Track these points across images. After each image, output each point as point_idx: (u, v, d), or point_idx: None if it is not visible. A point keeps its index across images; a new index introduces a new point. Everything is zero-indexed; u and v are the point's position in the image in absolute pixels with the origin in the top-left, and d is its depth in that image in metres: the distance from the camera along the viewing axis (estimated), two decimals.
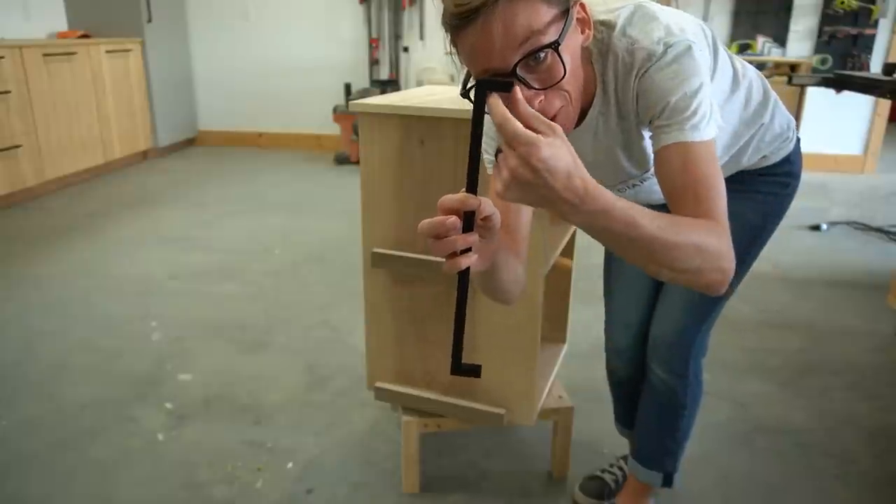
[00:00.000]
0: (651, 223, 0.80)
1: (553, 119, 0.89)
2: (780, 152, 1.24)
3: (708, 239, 0.85)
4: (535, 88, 0.86)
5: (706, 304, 1.32)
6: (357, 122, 2.62)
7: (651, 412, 1.46)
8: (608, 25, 0.98)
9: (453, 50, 0.88)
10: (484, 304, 1.47)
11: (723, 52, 1.08)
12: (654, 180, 1.04)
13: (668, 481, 1.48)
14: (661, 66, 0.93)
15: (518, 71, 0.84)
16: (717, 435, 1.89)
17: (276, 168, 5.11)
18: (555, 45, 0.84)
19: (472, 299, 1.49)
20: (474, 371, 1.13)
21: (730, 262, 0.87)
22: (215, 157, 5.50)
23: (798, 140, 1.28)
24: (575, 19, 0.88)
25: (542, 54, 0.84)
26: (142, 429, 1.88)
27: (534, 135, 0.71)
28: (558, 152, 0.72)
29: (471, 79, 0.88)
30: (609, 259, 1.48)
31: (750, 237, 1.28)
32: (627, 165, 1.08)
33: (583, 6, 0.90)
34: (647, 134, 1.02)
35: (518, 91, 0.74)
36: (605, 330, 1.53)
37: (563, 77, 0.86)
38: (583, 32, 0.91)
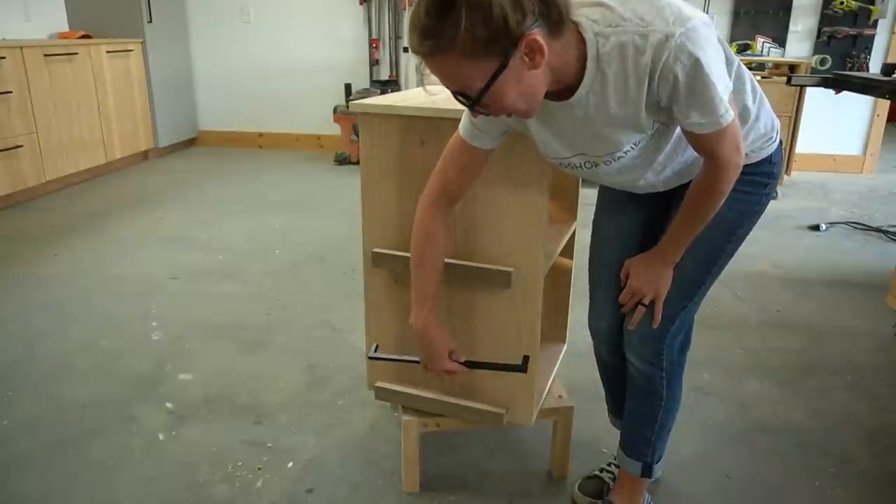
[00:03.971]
0: (687, 229, 1.22)
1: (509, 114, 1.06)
2: (762, 152, 1.26)
3: (708, 188, 1.15)
4: (479, 112, 1.04)
5: (676, 299, 1.33)
6: (357, 123, 2.62)
7: (631, 401, 1.48)
8: (606, 7, 1.00)
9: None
10: (484, 304, 1.48)
11: (723, 43, 1.10)
12: (636, 154, 1.15)
13: (647, 471, 1.49)
14: (680, 49, 0.96)
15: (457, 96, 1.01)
16: (717, 435, 1.89)
17: (277, 168, 5.11)
18: (470, 104, 1.00)
19: (472, 300, 1.49)
20: (521, 367, 1.38)
21: (734, 166, 1.11)
22: (215, 157, 5.50)
23: (780, 142, 1.30)
24: (520, 58, 0.95)
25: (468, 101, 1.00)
26: (142, 429, 1.88)
27: (637, 294, 1.33)
28: (647, 275, 1.32)
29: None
30: (592, 246, 1.50)
31: (726, 234, 1.29)
32: (624, 140, 1.11)
33: (534, 40, 0.94)
34: (647, 110, 1.05)
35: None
36: (588, 313, 1.54)
37: (491, 111, 1.02)
38: (533, 60, 0.96)
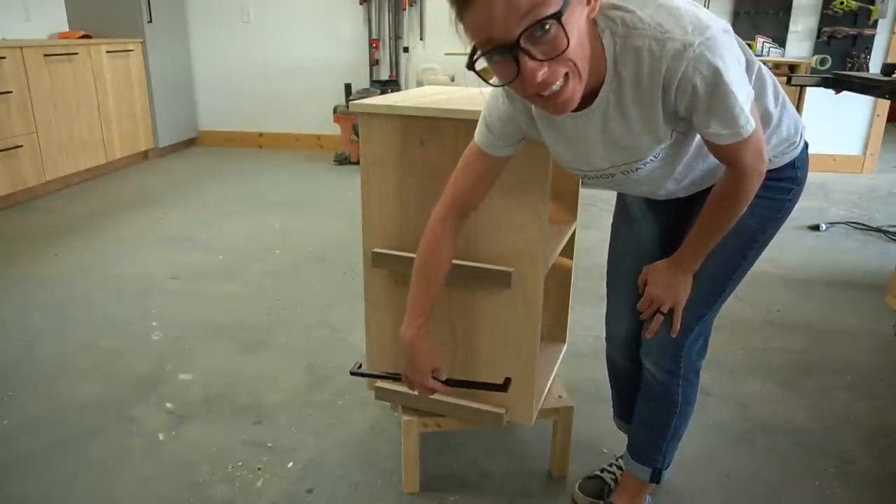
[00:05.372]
0: (707, 237, 1.20)
1: (559, 91, 0.93)
2: (785, 157, 1.23)
3: (730, 196, 1.13)
4: (539, 59, 0.89)
5: (695, 308, 1.31)
6: (357, 122, 2.62)
7: (644, 407, 1.46)
8: (624, 9, 0.98)
9: (459, 25, 0.92)
10: (484, 304, 1.48)
11: (744, 47, 1.09)
12: (656, 164, 1.12)
13: (656, 477, 1.48)
14: (699, 59, 0.94)
15: (521, 42, 0.87)
16: (718, 435, 1.89)
17: (277, 168, 5.11)
18: (557, 16, 0.86)
19: (472, 300, 1.49)
20: (502, 387, 1.35)
21: (757, 173, 1.09)
22: (215, 157, 5.50)
23: (806, 145, 1.26)
24: None
25: (546, 25, 0.87)
26: (142, 429, 1.88)
27: (655, 302, 1.31)
28: (666, 283, 1.29)
29: (477, 51, 0.92)
30: (611, 252, 1.49)
31: (748, 241, 1.27)
32: (642, 151, 1.09)
33: None
34: (665, 117, 1.03)
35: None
36: (605, 318, 1.53)
37: (568, 47, 0.89)
38: (589, 3, 0.92)
